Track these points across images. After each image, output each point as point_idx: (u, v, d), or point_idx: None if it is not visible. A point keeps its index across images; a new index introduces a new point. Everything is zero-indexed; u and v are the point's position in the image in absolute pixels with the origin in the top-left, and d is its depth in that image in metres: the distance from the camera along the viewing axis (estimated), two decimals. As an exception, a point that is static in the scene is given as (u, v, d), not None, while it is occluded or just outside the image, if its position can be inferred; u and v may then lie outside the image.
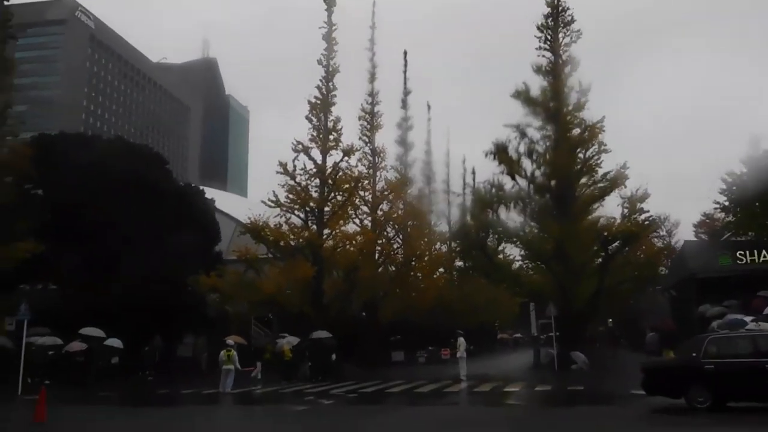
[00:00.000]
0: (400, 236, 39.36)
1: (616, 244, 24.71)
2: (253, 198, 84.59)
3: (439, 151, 55.04)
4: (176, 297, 29.83)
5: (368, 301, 36.78)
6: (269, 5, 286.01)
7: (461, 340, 22.51)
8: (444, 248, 49.18)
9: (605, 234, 24.08)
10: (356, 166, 34.31)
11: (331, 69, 32.89)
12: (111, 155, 31.10)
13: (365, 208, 37.51)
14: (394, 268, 37.26)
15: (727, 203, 29.03)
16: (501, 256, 31.76)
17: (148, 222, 29.95)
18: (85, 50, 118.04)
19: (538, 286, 24.52)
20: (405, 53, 47.75)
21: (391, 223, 38.01)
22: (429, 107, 53.06)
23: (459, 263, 52.17)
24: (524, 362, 34.63)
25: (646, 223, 24.55)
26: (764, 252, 27.08)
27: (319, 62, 33.05)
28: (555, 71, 28.99)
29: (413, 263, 38.45)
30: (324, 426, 12.09)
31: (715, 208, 30.52)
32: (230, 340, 19.95)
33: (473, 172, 63.35)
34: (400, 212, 38.53)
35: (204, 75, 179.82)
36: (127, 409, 16.48)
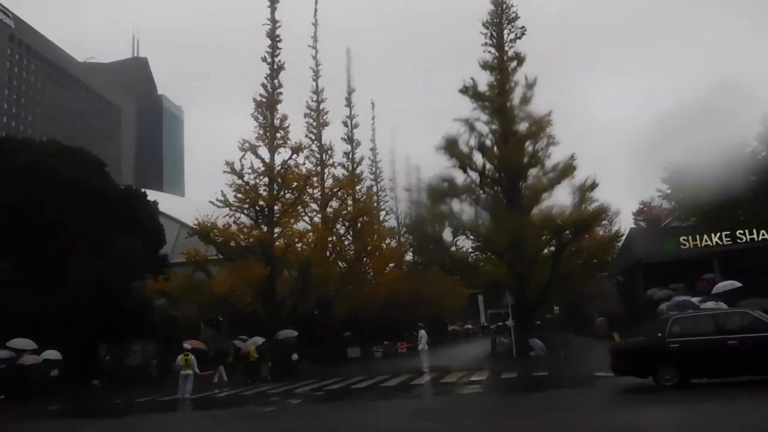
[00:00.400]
0: (350, 233, 39.26)
1: (567, 232, 25.20)
2: (191, 198, 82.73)
3: (384, 150, 54.82)
4: (121, 303, 28.67)
5: (321, 298, 36.52)
6: (201, 4, 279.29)
7: (422, 333, 22.61)
8: (393, 243, 49.57)
9: (558, 223, 24.52)
10: (304, 163, 34.10)
11: (276, 66, 32.32)
12: (47, 159, 29.62)
13: (314, 206, 37.22)
14: (345, 265, 37.07)
15: (669, 191, 30.11)
16: (454, 248, 31.96)
17: (89, 227, 28.71)
18: (4, 50, 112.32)
19: (494, 276, 24.75)
20: (348, 51, 48.08)
21: (341, 219, 37.85)
22: (373, 105, 52.89)
23: (408, 257, 52.83)
24: (480, 352, 35.02)
25: (596, 211, 25.12)
26: (705, 237, 28.25)
27: (264, 59, 32.46)
28: (501, 67, 29.35)
29: (365, 259, 38.40)
30: (300, 425, 11.79)
31: (658, 196, 31.65)
32: (187, 345, 19.30)
33: (417, 170, 64.44)
34: (349, 209, 38.48)
35: (135, 75, 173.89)
36: (83, 421, 15.67)
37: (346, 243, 37.60)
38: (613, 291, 40.64)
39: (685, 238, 28.77)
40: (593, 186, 25.94)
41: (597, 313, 41.85)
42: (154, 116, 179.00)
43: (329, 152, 39.18)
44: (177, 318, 34.34)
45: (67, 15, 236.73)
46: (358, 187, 42.12)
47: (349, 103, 45.93)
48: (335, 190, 37.23)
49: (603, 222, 26.23)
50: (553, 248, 27.11)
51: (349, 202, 39.18)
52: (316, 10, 39.82)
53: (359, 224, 38.75)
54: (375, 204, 46.18)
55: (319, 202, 37.29)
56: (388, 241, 46.53)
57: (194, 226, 29.27)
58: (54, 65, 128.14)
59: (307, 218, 35.32)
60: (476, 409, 12.17)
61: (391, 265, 43.19)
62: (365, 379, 20.42)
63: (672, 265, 29.41)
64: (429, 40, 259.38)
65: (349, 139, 45.78)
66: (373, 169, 51.91)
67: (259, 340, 24.64)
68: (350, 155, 45.06)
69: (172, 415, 15.70)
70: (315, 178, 34.36)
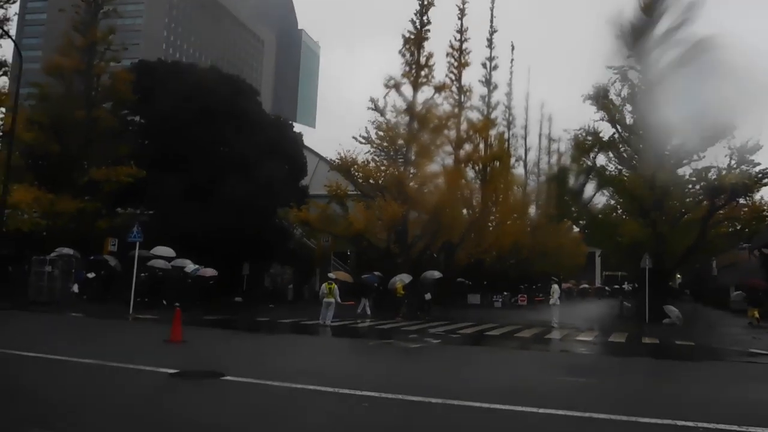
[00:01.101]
0: (480, 178, 38.94)
1: (723, 196, 23.55)
2: (321, 132, 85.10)
3: (519, 95, 53.37)
4: (266, 225, 30.59)
5: (446, 242, 36.80)
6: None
7: (555, 287, 22.33)
8: (520, 193, 48.61)
9: (715, 184, 22.91)
10: (442, 104, 33.80)
11: (426, 2, 31.97)
12: (207, 84, 31.57)
13: (448, 148, 37.12)
14: (470, 212, 37.00)
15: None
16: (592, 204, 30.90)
17: (242, 150, 30.56)
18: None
19: (636, 236, 23.73)
20: (494, -11, 46.29)
21: (472, 163, 37.59)
22: (513, 47, 51.11)
23: (532, 209, 51.87)
24: (603, 313, 34.21)
25: (760, 176, 23.19)
26: None
27: (414, -5, 32.15)
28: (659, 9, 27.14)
29: (492, 207, 38.15)
30: (455, 365, 11.99)
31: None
32: (332, 274, 20.33)
33: (550, 119, 62.22)
34: (481, 154, 38.09)
35: (278, 9, 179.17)
36: (241, 334, 17.03)
37: (476, 188, 37.31)
38: (754, 264, 37.67)
39: None
40: (755, 148, 23.86)
41: (733, 285, 39.24)
42: (293, 50, 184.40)
43: (468, 94, 38.69)
44: (310, 248, 36.26)
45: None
46: (491, 132, 41.41)
47: (490, 44, 44.80)
48: (470, 133, 36.89)
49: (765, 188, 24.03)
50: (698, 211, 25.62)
51: (481, 146, 38.68)
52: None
53: (489, 169, 38.42)
54: (506, 150, 45.18)
55: (453, 144, 37.15)
56: (516, 189, 45.79)
57: (333, 161, 30.17)
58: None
59: (439, 159, 35.24)
60: (631, 369, 11.93)
61: (515, 215, 42.58)
62: (496, 327, 20.63)
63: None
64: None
65: (487, 82, 44.82)
66: (507, 114, 50.69)
67: (406, 277, 25.35)
68: (486, 99, 44.34)
69: (323, 339, 16.47)
70: (452, 120, 33.97)
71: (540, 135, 61.13)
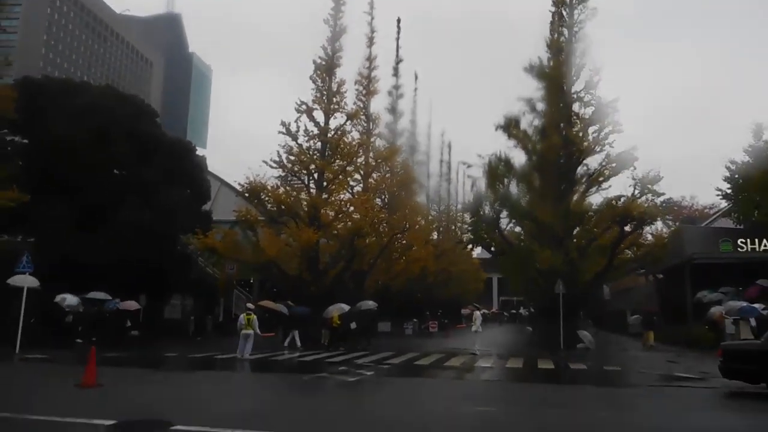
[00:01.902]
0: (387, 206, 38.83)
1: (631, 224, 24.58)
2: (213, 155, 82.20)
3: (422, 124, 54.11)
4: (167, 254, 28.59)
5: (356, 270, 36.15)
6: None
7: (478, 314, 22.23)
8: (422, 221, 49.06)
9: (624, 213, 23.87)
10: (351, 131, 33.46)
11: (338, 29, 31.65)
12: (103, 104, 29.32)
13: (357, 176, 36.76)
14: (376, 239, 36.71)
15: (729, 191, 29.31)
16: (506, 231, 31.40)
17: (140, 175, 28.54)
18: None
19: (550, 262, 24.17)
20: (398, 21, 47.12)
21: (379, 192, 37.48)
22: (416, 77, 52.09)
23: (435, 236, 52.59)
24: (513, 338, 34.64)
25: (664, 205, 24.46)
26: (765, 241, 27.52)
27: (326, 22, 31.76)
28: (567, 49, 28.52)
29: (399, 234, 38.02)
30: (399, 398, 11.31)
31: (717, 195, 30.82)
32: (250, 304, 19.02)
33: (449, 146, 63.96)
34: (389, 181, 38.09)
35: (168, 30, 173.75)
36: (158, 374, 15.35)
37: (383, 216, 37.12)
38: (649, 289, 39.96)
39: (743, 240, 28.04)
40: (656, 179, 25.21)
41: (630, 310, 41.28)
42: (184, 73, 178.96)
43: (376, 122, 38.79)
44: (215, 277, 34.34)
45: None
46: (398, 160, 41.57)
47: (396, 73, 45.37)
48: (379, 161, 36.84)
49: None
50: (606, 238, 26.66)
51: (388, 175, 38.72)
52: (375, -22, 38.95)
53: (397, 197, 38.47)
54: (414, 178, 45.52)
55: (362, 172, 36.84)
56: (419, 218, 46.18)
57: (242, 185, 28.78)
58: (92, 14, 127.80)
59: (351, 186, 34.79)
60: (587, 398, 11.68)
61: (422, 241, 42.77)
62: (420, 356, 20.11)
63: (722, 267, 28.77)
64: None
65: (393, 110, 45.40)
66: (411, 141, 51.31)
67: (345, 306, 24.36)
68: (392, 126, 44.76)
69: (246, 374, 15.29)
70: (361, 147, 33.62)
71: (441, 162, 62.99)
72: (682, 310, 30.59)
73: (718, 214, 36.63)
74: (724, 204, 33.43)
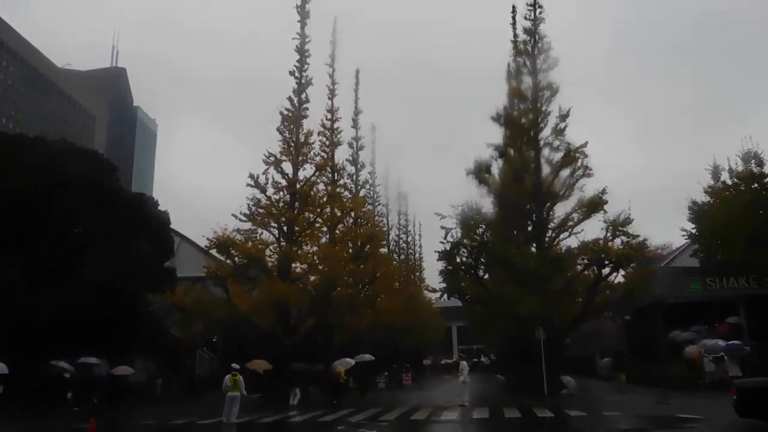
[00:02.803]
0: (353, 258, 38.29)
1: (608, 265, 24.80)
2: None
3: (380, 174, 54.34)
4: (130, 314, 27.17)
5: (322, 323, 35.23)
6: (181, 21, 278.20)
7: (464, 364, 21.68)
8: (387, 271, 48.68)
9: (602, 255, 24.07)
10: (318, 183, 33.06)
11: (303, 81, 31.58)
12: (60, 157, 28.17)
13: (323, 228, 36.21)
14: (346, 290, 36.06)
15: (694, 230, 30.08)
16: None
17: (99, 229, 27.29)
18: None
19: (533, 308, 24.02)
20: (357, 72, 47.40)
21: (345, 243, 36.97)
22: (374, 128, 52.41)
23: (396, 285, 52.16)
24: (488, 387, 34.04)
25: (640, 246, 24.82)
26: (732, 279, 28.20)
27: (291, 73, 31.68)
28: (533, 95, 29.13)
29: (367, 286, 37.42)
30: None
31: (683, 236, 31.60)
32: (235, 365, 17.96)
33: (405, 197, 64.47)
34: (354, 232, 37.64)
35: (112, 85, 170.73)
36: None
37: (350, 268, 36.59)
38: (618, 330, 40.24)
39: (712, 279, 28.68)
40: (626, 221, 25.63)
41: (599, 353, 41.44)
42: (128, 127, 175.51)
43: (340, 172, 38.49)
44: (174, 336, 32.76)
45: (45, 19, 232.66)
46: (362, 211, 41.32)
47: (355, 125, 45.58)
48: (344, 212, 36.44)
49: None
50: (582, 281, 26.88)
51: (352, 226, 38.34)
52: (334, 29, 39.33)
53: (367, 248, 37.98)
54: (380, 228, 45.35)
55: (328, 224, 36.34)
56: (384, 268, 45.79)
57: (210, 240, 27.77)
58: (32, 67, 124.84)
59: (320, 238, 34.09)
60: None
61: (390, 292, 42.24)
62: (412, 411, 19.41)
63: (692, 306, 29.27)
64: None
65: (354, 161, 45.42)
66: (371, 192, 51.33)
67: (350, 361, 23.59)
68: (354, 177, 44.69)
69: None
70: (330, 198, 33.21)
71: (399, 213, 63.25)
72: (651, 350, 30.84)
73: (676, 254, 37.46)
74: (680, 243, 34.50)
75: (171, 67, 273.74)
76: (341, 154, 43.63)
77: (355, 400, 24.01)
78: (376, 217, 50.97)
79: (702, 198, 30.18)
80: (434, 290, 30.70)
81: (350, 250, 38.33)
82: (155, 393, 28.29)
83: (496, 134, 29.41)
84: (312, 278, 29.15)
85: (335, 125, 39.00)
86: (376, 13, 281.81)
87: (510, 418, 16.73)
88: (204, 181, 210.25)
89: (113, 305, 25.80)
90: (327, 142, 38.52)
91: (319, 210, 30.76)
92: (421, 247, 70.25)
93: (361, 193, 45.28)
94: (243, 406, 17.53)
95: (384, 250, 50.83)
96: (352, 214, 36.97)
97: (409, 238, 66.34)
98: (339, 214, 36.35)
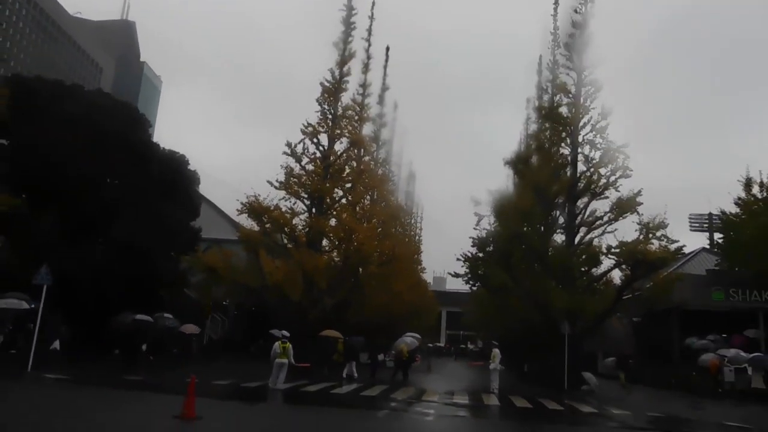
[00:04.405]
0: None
1: (642, 267, 24.94)
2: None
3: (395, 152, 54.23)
4: (161, 273, 27.18)
5: (339, 301, 35.28)
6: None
7: (496, 351, 21.74)
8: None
9: (638, 257, 24.18)
10: (352, 157, 33.02)
11: (347, 54, 31.36)
12: (96, 109, 27.84)
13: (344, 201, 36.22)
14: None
15: (722, 241, 30.34)
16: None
17: (135, 187, 27.12)
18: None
19: (565, 303, 24.19)
20: (387, 48, 47.08)
21: (369, 219, 36.99)
22: (396, 106, 52.14)
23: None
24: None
25: (677, 251, 25.02)
26: (755, 292, 28.50)
27: (335, 45, 31.46)
28: (576, 91, 29.06)
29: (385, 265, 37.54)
30: None
31: (708, 245, 31.90)
32: (285, 332, 17.96)
33: (414, 177, 64.43)
34: (379, 209, 37.63)
35: (120, 37, 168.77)
36: (227, 403, 14.25)
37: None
38: (621, 332, 40.59)
39: (735, 290, 28.98)
40: (661, 225, 25.71)
41: (602, 351, 41.82)
42: (133, 81, 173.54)
43: (367, 149, 38.40)
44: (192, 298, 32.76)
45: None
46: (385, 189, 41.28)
47: (381, 101, 45.25)
48: (369, 188, 36.41)
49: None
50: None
51: (382, 203, 38.37)
52: (374, 3, 38.97)
53: (384, 225, 38.04)
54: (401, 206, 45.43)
55: (350, 198, 36.36)
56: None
57: (243, 203, 27.69)
58: (44, 13, 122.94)
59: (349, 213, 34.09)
60: None
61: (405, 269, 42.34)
62: (447, 394, 19.60)
63: (709, 314, 29.58)
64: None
65: (376, 138, 45.22)
66: (388, 171, 51.23)
67: (413, 341, 23.84)
68: (374, 154, 44.59)
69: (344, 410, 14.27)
70: (363, 173, 33.09)
71: (406, 193, 63.23)
72: (664, 354, 31.19)
73: (684, 260, 37.68)
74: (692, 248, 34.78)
75: (181, 25, 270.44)
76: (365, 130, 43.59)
77: (382, 377, 24.06)
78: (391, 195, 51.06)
79: (730, 208, 30.38)
80: (456, 275, 30.75)
81: (379, 229, 38.55)
82: (191, 352, 28.19)
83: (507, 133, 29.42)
84: (342, 251, 29.06)
85: (365, 101, 38.97)
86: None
87: (552, 409, 16.91)
88: (201, 142, 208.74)
89: (143, 265, 25.78)
90: (356, 117, 38.45)
91: (350, 185, 30.71)
92: (421, 230, 70.57)
93: (379, 172, 45.26)
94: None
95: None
96: (376, 191, 36.88)
97: (412, 221, 66.38)
98: (362, 189, 36.40)
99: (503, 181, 38.84)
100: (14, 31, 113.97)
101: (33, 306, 19.36)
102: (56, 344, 21.78)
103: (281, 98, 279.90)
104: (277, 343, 17.16)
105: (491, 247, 26.54)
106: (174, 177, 29.83)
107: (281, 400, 15.59)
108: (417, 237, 68.48)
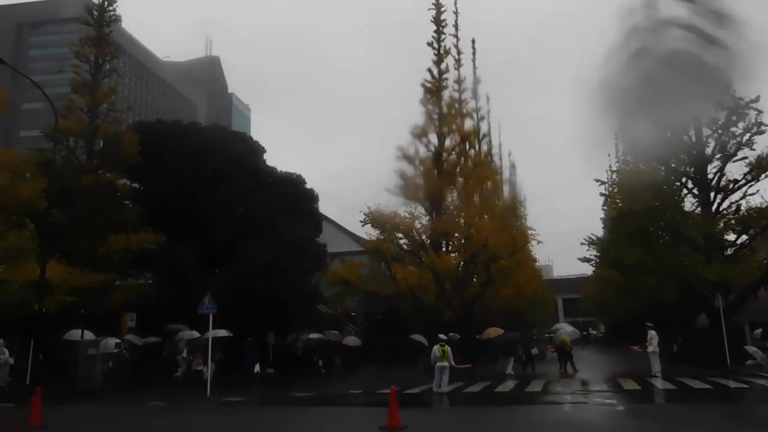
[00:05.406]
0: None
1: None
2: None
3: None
4: (292, 290, 28.11)
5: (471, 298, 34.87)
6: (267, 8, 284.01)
7: (653, 333, 20.86)
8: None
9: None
10: (466, 152, 32.72)
11: (441, 51, 31.33)
12: (215, 142, 29.30)
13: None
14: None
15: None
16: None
17: (260, 211, 28.25)
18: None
19: (719, 274, 22.83)
20: (473, 41, 46.59)
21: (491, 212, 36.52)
22: (488, 99, 51.50)
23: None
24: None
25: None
26: None
27: (429, 44, 31.51)
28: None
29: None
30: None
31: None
32: (443, 335, 18.12)
33: (513, 166, 63.26)
34: (494, 202, 37.16)
35: (207, 73, 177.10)
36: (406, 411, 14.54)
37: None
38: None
39: None
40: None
41: (747, 323, 39.23)
42: (224, 113, 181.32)
43: (473, 143, 38.14)
44: (325, 311, 33.63)
45: (141, 15, 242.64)
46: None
47: (475, 96, 44.63)
48: (483, 181, 36.00)
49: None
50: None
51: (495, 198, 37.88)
52: (457, -1, 38.67)
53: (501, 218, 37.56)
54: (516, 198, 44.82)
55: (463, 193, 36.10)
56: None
57: (366, 215, 28.19)
58: (138, 61, 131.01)
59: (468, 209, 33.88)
60: None
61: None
62: (604, 380, 19.05)
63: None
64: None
65: (476, 132, 44.75)
66: (492, 163, 50.58)
67: (573, 331, 23.82)
68: (477, 147, 44.15)
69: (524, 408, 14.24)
70: (477, 167, 32.73)
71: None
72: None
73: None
74: None
75: (260, 54, 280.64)
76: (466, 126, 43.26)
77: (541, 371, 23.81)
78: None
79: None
80: (586, 260, 29.91)
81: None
82: (318, 367, 28.94)
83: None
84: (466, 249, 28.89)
85: (462, 96, 38.69)
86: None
87: (734, 387, 16.03)
88: (296, 161, 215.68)
89: (276, 282, 26.75)
90: (457, 113, 38.29)
91: (463, 179, 30.57)
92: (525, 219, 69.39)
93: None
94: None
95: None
96: (489, 183, 36.46)
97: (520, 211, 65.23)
98: (476, 183, 36.07)
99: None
100: (118, 83, 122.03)
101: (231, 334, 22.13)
102: (257, 367, 24.31)
103: (356, 111, 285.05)
104: (435, 347, 17.23)
105: (623, 227, 25.50)
106: (295, 197, 30.84)
107: (463, 402, 15.54)
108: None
